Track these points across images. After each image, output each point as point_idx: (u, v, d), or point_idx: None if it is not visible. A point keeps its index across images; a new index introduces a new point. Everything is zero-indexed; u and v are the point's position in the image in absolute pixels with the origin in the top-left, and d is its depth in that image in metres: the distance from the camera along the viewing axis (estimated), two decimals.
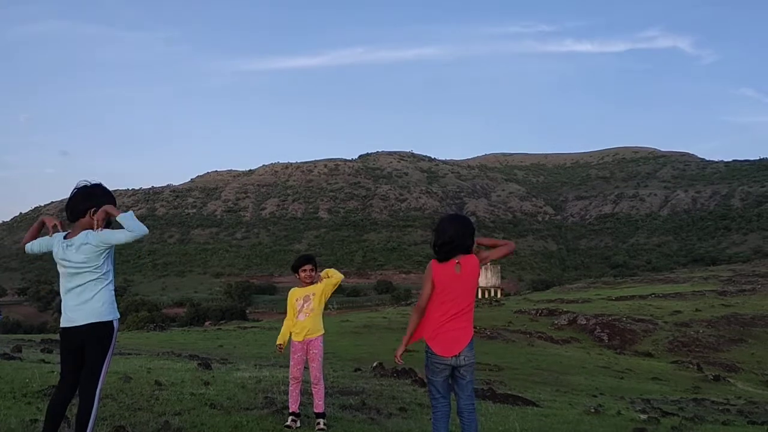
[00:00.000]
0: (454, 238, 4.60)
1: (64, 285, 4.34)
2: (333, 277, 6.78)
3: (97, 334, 4.28)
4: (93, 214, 4.36)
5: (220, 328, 37.53)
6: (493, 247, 4.84)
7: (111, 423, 5.93)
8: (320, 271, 6.81)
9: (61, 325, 4.36)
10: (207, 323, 54.38)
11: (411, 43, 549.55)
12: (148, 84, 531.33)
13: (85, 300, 4.28)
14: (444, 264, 4.58)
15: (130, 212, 4.38)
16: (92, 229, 4.34)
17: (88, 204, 4.39)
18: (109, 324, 4.33)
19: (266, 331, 31.69)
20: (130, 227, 4.30)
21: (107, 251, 4.35)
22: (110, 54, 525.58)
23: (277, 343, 6.79)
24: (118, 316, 4.41)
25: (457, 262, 4.57)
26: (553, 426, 7.79)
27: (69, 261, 4.29)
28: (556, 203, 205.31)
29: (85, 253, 4.28)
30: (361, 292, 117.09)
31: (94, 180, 4.54)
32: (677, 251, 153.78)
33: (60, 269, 4.37)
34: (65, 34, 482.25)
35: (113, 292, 4.44)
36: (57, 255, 4.35)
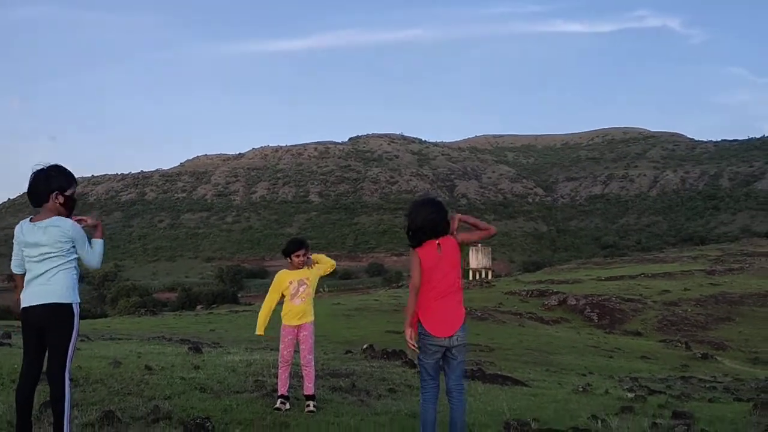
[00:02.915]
0: (426, 223, 4.60)
1: (31, 271, 4.31)
2: (325, 264, 6.79)
3: (57, 316, 4.25)
4: (56, 197, 4.35)
5: (212, 312, 37.61)
6: (475, 227, 4.82)
7: (100, 408, 5.94)
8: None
9: (22, 305, 4.32)
10: (199, 307, 54.48)
11: (400, 25, 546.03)
12: (135, 68, 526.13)
13: (46, 282, 4.26)
14: (425, 246, 4.59)
15: (102, 241, 4.54)
16: (58, 213, 4.34)
17: (49, 187, 4.35)
18: (67, 306, 4.30)
19: (258, 314, 31.74)
20: (99, 256, 4.46)
21: (71, 242, 4.33)
22: (97, 38, 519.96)
23: (257, 333, 6.78)
24: (79, 301, 4.38)
25: (438, 243, 4.59)
26: (541, 405, 7.87)
27: (36, 244, 4.26)
28: (546, 184, 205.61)
29: (52, 235, 4.25)
30: (353, 275, 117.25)
31: (51, 162, 4.49)
32: (667, 231, 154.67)
33: (26, 255, 4.33)
34: (50, 18, 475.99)
35: (75, 278, 4.40)
36: (22, 239, 4.33)
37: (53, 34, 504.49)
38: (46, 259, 4.26)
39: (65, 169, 4.47)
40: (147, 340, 16.23)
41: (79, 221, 4.44)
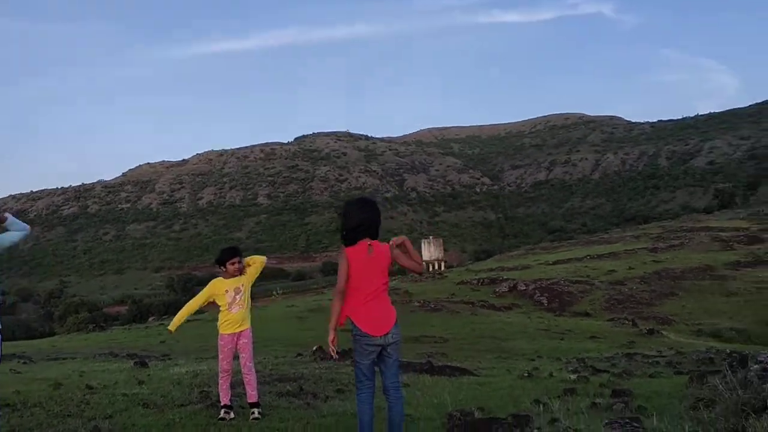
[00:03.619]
0: (361, 222, 4.63)
1: None
2: (256, 263, 6.73)
3: None
4: None
5: (162, 324, 36.81)
6: (408, 256, 4.80)
7: None
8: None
9: None
10: (150, 319, 53.32)
11: (341, 21, 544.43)
12: (69, 76, 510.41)
13: None
14: (355, 247, 4.62)
15: (9, 215, 4.33)
16: None
17: None
18: None
19: (209, 322, 31.24)
20: (19, 227, 4.21)
21: None
22: (26, 47, 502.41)
23: (169, 329, 6.72)
24: None
25: (369, 244, 4.62)
26: (486, 394, 8.00)
27: None
28: (492, 173, 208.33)
29: None
30: (307, 276, 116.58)
31: None
32: (610, 212, 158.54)
33: None
34: None
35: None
36: None
37: None
38: None
39: None
40: (93, 357, 15.85)
41: None
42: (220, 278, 6.62)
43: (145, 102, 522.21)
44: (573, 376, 9.16)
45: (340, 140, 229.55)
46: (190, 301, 6.68)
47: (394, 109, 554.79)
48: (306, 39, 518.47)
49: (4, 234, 4.21)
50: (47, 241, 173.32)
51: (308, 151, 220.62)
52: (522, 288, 39.53)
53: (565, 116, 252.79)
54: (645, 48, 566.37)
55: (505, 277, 44.47)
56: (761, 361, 5.49)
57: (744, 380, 4.62)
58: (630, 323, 29.72)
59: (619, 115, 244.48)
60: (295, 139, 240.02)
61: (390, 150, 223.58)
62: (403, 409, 4.74)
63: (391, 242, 4.76)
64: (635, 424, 4.75)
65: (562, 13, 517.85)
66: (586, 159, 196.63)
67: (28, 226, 4.26)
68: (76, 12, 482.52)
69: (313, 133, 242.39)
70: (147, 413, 6.72)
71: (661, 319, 31.97)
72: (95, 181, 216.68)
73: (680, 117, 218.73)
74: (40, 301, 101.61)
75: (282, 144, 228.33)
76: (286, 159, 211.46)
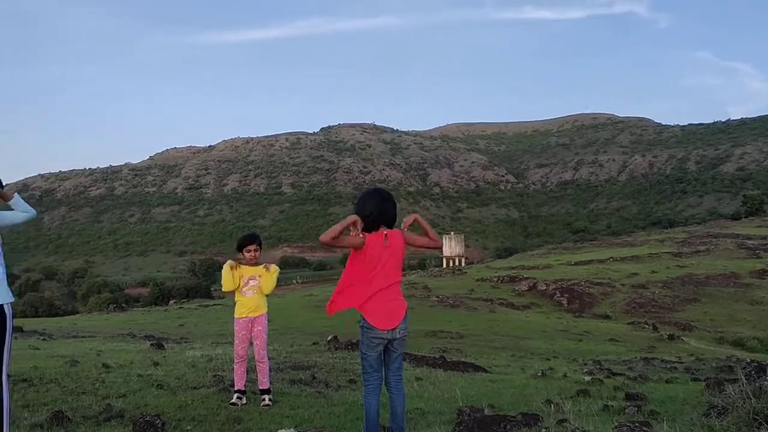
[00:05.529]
0: (373, 211, 4.61)
1: None
2: (274, 273, 6.69)
3: None
4: None
5: (182, 307, 37.25)
6: (425, 233, 4.78)
7: (51, 408, 5.87)
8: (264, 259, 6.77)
9: None
10: (171, 302, 53.98)
11: (370, 13, 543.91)
12: (102, 61, 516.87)
13: None
14: (373, 235, 4.59)
15: (17, 195, 4.33)
16: None
17: None
18: None
19: (229, 308, 31.53)
20: (25, 209, 4.23)
21: None
22: (63, 31, 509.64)
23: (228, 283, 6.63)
24: (11, 300, 4.21)
25: (385, 234, 4.60)
26: (498, 391, 7.96)
27: None
28: (517, 171, 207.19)
29: None
30: (327, 266, 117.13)
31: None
32: (636, 215, 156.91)
33: None
34: (14, 11, 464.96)
35: (3, 275, 4.24)
36: None
37: (15, 25, 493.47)
38: None
39: None
40: (112, 337, 16.07)
41: None
42: (237, 262, 6.63)
43: (173, 88, 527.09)
44: (587, 378, 9.08)
45: (366, 132, 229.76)
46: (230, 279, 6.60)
47: (420, 102, 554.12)
48: (335, 29, 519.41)
49: (6, 212, 4.24)
50: (74, 221, 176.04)
51: (333, 141, 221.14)
52: (542, 287, 39.26)
53: (594, 116, 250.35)
54: (678, 49, 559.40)
55: (525, 275, 44.19)
56: None
57: (759, 389, 4.54)
58: (650, 327, 29.38)
59: (649, 117, 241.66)
60: (321, 129, 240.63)
61: (415, 144, 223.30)
62: (404, 401, 4.74)
63: (403, 224, 4.73)
64: (645, 429, 4.69)
65: (595, 12, 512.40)
66: (614, 160, 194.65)
67: (33, 211, 4.29)
68: None
69: (339, 124, 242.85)
70: (160, 394, 6.80)
71: (683, 325, 31.54)
72: (123, 163, 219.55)
73: (712, 121, 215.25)
74: (64, 279, 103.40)
75: (307, 134, 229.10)
76: (311, 149, 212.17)
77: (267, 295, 6.69)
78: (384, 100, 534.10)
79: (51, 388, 7.00)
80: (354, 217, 4.51)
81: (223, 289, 6.72)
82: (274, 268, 6.69)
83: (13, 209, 4.23)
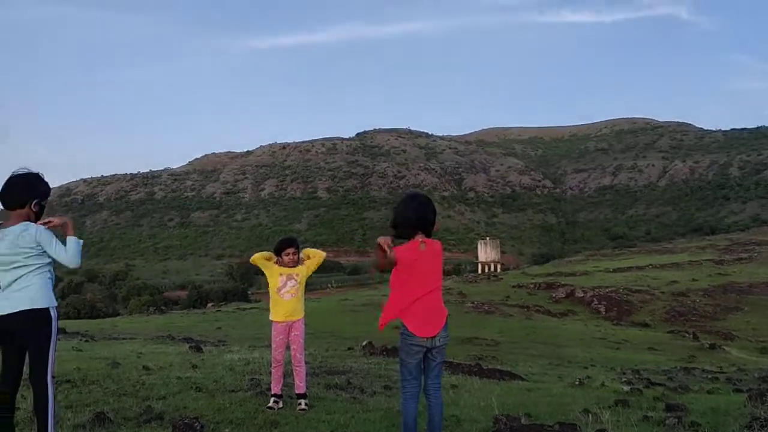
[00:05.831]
0: (411, 217, 4.59)
1: (2, 279, 4.22)
2: (315, 257, 6.77)
3: (33, 322, 4.19)
4: (33, 206, 4.32)
5: (220, 310, 37.77)
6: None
7: (93, 409, 6.01)
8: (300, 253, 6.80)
9: None
10: (209, 305, 54.73)
11: (405, 17, 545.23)
12: (142, 66, 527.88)
13: (19, 288, 4.20)
14: (406, 244, 4.56)
15: (76, 238, 4.34)
16: (31, 220, 4.29)
17: (31, 194, 4.32)
18: (44, 311, 4.23)
19: (265, 311, 31.82)
20: (74, 254, 4.28)
21: (39, 246, 4.24)
22: (105, 37, 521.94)
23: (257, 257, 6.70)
24: (55, 304, 4.31)
25: (421, 241, 4.57)
26: (535, 400, 7.88)
27: (2, 253, 4.19)
28: (554, 176, 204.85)
29: (17, 241, 4.19)
30: (362, 270, 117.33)
31: (32, 168, 4.41)
32: (676, 221, 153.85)
33: None
34: (52, 18, 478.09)
35: (50, 281, 4.35)
36: None
37: (61, 31, 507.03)
38: (15, 266, 4.20)
39: (43, 177, 4.45)
40: (151, 339, 16.36)
41: (45, 224, 4.33)
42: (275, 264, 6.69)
43: (212, 93, 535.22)
44: (626, 388, 8.94)
45: (401, 137, 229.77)
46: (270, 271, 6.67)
47: (455, 107, 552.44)
48: (371, 35, 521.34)
49: (58, 242, 4.26)
50: (115, 225, 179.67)
51: (369, 146, 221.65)
52: (580, 294, 38.81)
53: (633, 120, 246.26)
54: (719, 53, 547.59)
55: (562, 282, 43.74)
56: None
57: None
58: (691, 336, 28.83)
59: (689, 122, 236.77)
60: (357, 134, 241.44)
61: (450, 148, 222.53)
62: (442, 410, 4.71)
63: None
64: None
65: (635, 14, 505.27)
66: (653, 165, 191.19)
67: (78, 262, 4.27)
68: (148, 2, 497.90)
69: (374, 129, 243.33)
70: (199, 397, 6.90)
71: (724, 334, 30.85)
72: (162, 168, 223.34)
73: (755, 126, 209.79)
74: (105, 282, 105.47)
75: (343, 139, 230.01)
76: (346, 154, 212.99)
77: (312, 272, 6.68)
78: (419, 105, 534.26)
79: (93, 389, 7.17)
80: (381, 239, 4.48)
81: (252, 257, 6.73)
82: (308, 253, 6.72)
83: (66, 245, 4.29)
